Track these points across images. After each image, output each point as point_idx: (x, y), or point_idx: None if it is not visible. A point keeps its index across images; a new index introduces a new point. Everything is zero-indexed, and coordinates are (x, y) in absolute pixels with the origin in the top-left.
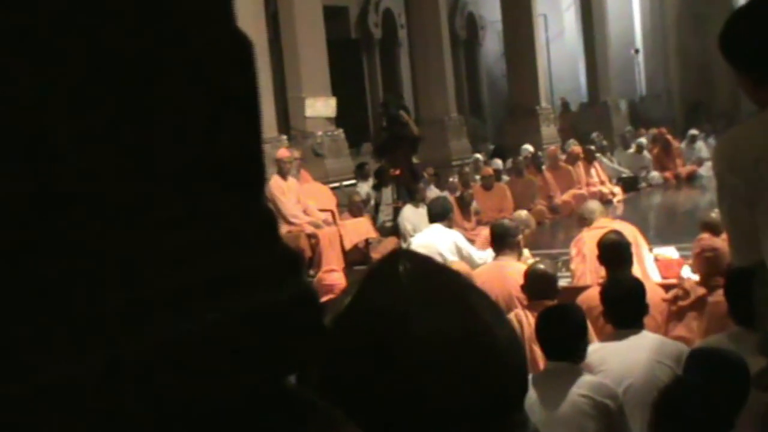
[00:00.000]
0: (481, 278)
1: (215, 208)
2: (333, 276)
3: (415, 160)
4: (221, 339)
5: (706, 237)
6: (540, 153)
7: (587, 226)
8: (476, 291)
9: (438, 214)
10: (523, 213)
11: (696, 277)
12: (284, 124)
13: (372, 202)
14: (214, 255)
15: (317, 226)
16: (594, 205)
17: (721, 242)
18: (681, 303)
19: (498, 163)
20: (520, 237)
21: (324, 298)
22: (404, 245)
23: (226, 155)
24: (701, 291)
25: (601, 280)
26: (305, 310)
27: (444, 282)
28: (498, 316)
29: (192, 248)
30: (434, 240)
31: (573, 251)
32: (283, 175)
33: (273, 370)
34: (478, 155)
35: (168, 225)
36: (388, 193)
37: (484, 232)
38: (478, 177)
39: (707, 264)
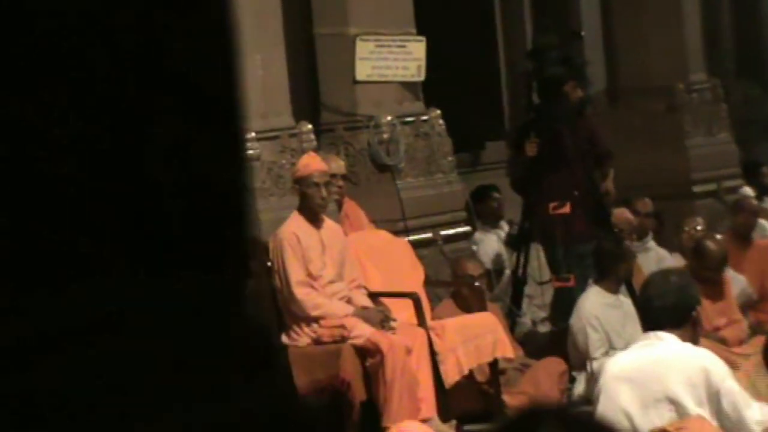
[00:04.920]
0: None
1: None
2: None
3: (608, 183)
4: None
5: None
6: None
7: None
8: None
9: (665, 310)
10: None
11: None
12: (309, 100)
13: (506, 274)
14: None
15: (385, 328)
16: None
17: None
18: None
19: None
20: None
21: None
22: (578, 379)
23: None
24: None
25: None
26: None
27: None
28: None
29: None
30: (656, 366)
31: None
32: (309, 210)
33: None
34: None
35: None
36: (539, 257)
37: None
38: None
39: None
